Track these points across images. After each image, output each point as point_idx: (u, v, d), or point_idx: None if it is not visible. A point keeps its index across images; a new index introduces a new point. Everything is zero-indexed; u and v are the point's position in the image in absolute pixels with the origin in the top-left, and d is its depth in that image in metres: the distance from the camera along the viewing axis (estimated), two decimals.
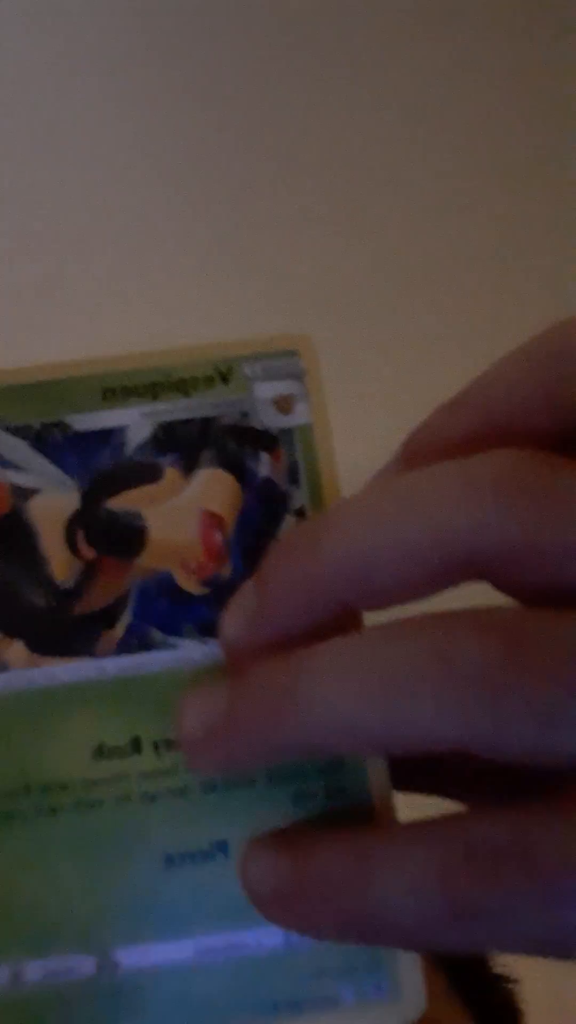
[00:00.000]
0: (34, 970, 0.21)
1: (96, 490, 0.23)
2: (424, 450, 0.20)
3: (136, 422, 0.23)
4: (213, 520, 0.22)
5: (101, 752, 0.21)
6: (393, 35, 1.19)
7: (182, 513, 0.22)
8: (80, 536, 0.22)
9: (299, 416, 0.23)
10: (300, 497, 0.23)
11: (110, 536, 0.22)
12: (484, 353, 0.21)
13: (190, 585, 0.22)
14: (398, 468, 0.21)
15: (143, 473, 0.23)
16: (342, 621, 0.19)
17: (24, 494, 0.22)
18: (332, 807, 0.21)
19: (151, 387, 0.23)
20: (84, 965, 0.21)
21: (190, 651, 0.22)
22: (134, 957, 0.21)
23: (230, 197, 1.15)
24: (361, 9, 1.17)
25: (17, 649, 0.22)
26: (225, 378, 0.23)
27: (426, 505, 0.18)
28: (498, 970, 0.55)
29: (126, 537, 0.22)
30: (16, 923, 0.21)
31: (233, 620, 0.20)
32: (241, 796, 0.21)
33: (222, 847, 0.21)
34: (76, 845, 0.21)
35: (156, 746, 0.21)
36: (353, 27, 1.18)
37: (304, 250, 1.14)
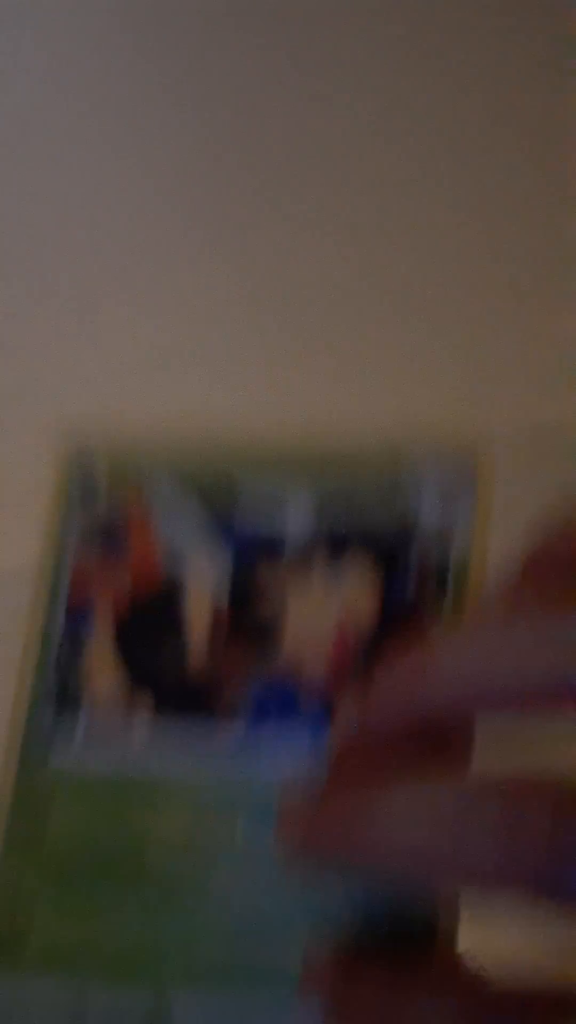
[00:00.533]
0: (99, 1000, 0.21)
1: (247, 568, 0.22)
2: (546, 574, 0.20)
3: (298, 499, 0.22)
4: (347, 634, 0.22)
5: (197, 843, 0.22)
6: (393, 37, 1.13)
7: (320, 618, 0.22)
8: (223, 627, 0.22)
9: (462, 521, 0.22)
10: (442, 604, 0.22)
11: (251, 631, 0.22)
12: None
13: (310, 695, 0.22)
14: (517, 591, 0.21)
15: (296, 558, 0.22)
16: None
17: (178, 559, 0.22)
18: (397, 927, 0.21)
19: (319, 464, 0.22)
20: (143, 1001, 0.21)
21: (299, 762, 0.22)
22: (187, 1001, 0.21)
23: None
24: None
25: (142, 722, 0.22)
26: (392, 466, 0.22)
27: (544, 656, 0.18)
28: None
29: (264, 634, 0.22)
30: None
31: (336, 735, 0.21)
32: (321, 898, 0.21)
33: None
34: (165, 899, 0.21)
35: (248, 844, 0.22)
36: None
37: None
